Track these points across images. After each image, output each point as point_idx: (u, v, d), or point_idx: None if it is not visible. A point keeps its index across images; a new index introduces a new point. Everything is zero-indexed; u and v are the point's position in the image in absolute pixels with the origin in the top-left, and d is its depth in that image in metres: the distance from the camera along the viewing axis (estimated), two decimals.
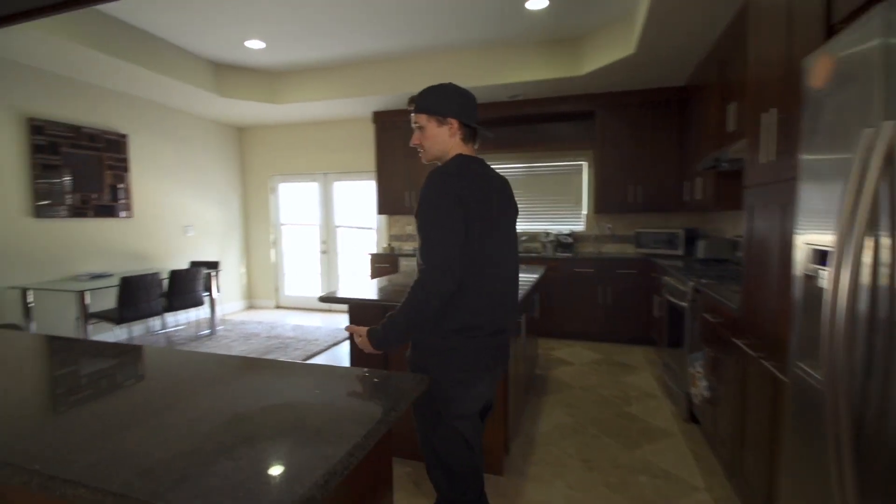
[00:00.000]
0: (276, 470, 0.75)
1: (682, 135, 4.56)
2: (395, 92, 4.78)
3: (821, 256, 1.16)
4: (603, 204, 4.83)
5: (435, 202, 1.28)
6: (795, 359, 1.28)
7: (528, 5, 3.54)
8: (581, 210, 5.23)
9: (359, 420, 0.93)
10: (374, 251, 5.92)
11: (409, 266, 5.28)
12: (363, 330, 1.41)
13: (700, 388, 2.51)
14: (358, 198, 6.27)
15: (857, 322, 0.98)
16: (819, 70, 1.17)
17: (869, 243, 0.96)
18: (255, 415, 0.96)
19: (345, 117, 5.93)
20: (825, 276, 1.15)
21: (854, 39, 1.01)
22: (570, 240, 4.95)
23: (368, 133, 5.94)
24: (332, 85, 4.98)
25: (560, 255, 4.83)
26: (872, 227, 0.95)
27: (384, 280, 2.96)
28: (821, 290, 1.22)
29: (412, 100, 1.44)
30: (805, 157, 1.26)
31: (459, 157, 1.40)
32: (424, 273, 1.29)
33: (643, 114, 4.66)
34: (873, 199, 0.95)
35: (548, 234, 5.05)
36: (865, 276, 0.96)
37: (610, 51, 3.86)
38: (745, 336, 1.92)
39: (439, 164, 1.42)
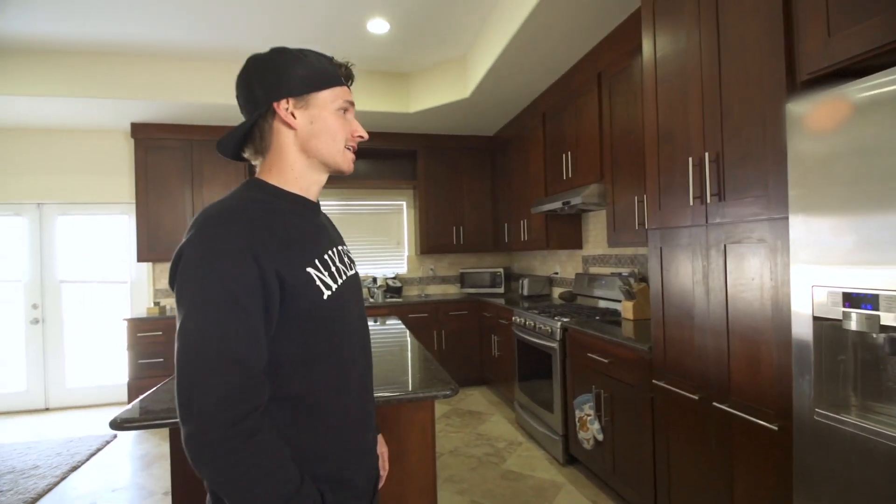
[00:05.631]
0: None
1: (494, 181, 4.88)
2: (172, 99, 3.61)
3: (849, 298, 1.15)
4: (427, 245, 4.70)
5: None
6: (812, 405, 1.24)
7: (369, 26, 3.17)
8: (403, 251, 4.98)
9: None
10: (132, 315, 4.25)
11: None
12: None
13: (592, 430, 2.47)
14: (101, 239, 4.47)
15: None
16: (828, 114, 1.19)
17: None
18: None
19: (81, 126, 4.20)
20: (855, 319, 1.13)
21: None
22: (398, 284, 4.60)
23: (121, 151, 4.36)
24: (62, 75, 3.42)
25: (391, 300, 4.42)
26: None
27: None
28: (846, 332, 1.22)
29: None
30: (796, 191, 1.27)
31: None
32: None
33: (460, 159, 4.80)
34: None
35: (375, 279, 4.59)
36: None
37: (443, 92, 3.82)
38: (666, 377, 1.92)
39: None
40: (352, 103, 0.88)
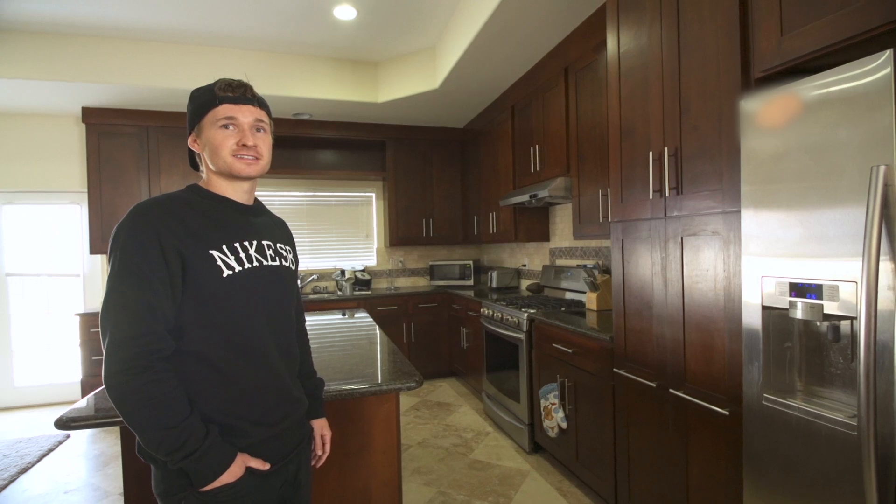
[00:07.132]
0: None
1: (464, 174, 4.87)
2: (127, 82, 3.42)
3: (795, 288, 1.20)
4: (397, 237, 4.66)
5: None
6: (761, 391, 1.30)
7: (335, 12, 3.09)
8: (372, 243, 4.92)
9: None
10: (85, 310, 4.05)
11: None
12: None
13: (556, 419, 2.52)
14: (51, 230, 4.23)
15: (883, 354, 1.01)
16: (779, 111, 1.23)
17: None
18: None
19: (28, 109, 3.94)
20: (801, 308, 1.19)
21: (846, 77, 1.07)
22: (367, 276, 4.56)
23: (72, 137, 4.12)
24: (6, 54, 3.20)
25: (359, 293, 4.37)
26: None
27: None
28: (792, 320, 1.28)
29: (251, 89, 1.05)
30: (748, 186, 1.32)
31: None
32: None
33: (430, 151, 4.77)
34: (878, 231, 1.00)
35: (343, 272, 4.52)
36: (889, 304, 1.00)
37: (412, 82, 3.77)
38: (626, 366, 1.97)
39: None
40: (231, 118, 0.99)
